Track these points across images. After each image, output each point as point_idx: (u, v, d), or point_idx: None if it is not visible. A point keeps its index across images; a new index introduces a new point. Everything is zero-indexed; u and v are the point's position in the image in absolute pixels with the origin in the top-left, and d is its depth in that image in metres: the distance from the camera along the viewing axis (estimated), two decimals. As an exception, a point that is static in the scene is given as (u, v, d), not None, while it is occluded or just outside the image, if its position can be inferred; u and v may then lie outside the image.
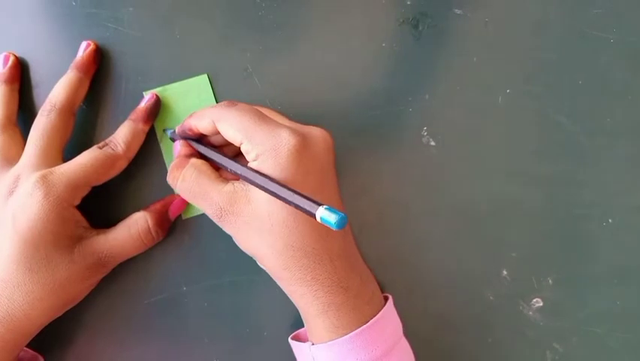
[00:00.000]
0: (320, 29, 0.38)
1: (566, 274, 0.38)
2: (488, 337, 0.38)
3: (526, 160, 0.38)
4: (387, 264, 0.38)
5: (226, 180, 0.33)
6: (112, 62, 0.37)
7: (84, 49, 0.36)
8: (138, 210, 0.36)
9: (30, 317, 0.32)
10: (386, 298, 0.35)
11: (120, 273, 0.37)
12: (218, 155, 0.33)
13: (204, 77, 0.37)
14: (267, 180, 0.29)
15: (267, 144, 0.30)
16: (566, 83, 0.38)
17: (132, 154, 0.35)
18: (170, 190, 0.37)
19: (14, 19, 0.38)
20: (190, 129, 0.34)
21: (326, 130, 0.33)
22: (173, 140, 0.36)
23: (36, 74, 0.38)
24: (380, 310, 0.33)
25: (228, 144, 0.34)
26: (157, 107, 0.37)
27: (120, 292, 0.37)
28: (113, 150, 0.34)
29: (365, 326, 0.31)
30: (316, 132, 0.32)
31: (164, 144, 0.37)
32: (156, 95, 0.37)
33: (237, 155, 0.35)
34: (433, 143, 0.38)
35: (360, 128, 0.38)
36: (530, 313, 0.38)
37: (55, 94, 0.35)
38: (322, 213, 0.26)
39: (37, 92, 0.38)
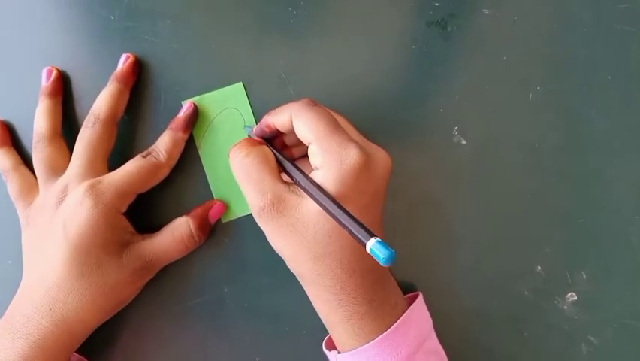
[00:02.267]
0: (350, 34, 0.39)
1: (599, 268, 0.38)
2: (524, 331, 0.38)
3: (558, 156, 0.38)
4: (421, 262, 0.39)
5: (285, 181, 0.33)
6: (150, 73, 0.39)
7: (124, 61, 0.38)
8: (179, 215, 0.37)
9: (83, 319, 0.34)
10: (416, 296, 0.36)
11: (164, 277, 0.38)
12: (287, 162, 0.33)
13: (239, 86, 0.38)
14: (327, 198, 0.30)
15: (334, 154, 0.31)
16: (595, 78, 0.39)
17: (174, 162, 0.37)
18: (209, 195, 0.38)
19: (55, 35, 0.39)
20: (268, 126, 0.34)
21: (388, 153, 0.33)
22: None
23: (78, 87, 0.39)
24: (402, 312, 0.33)
25: (299, 144, 0.35)
26: (195, 116, 0.38)
27: (164, 295, 0.39)
28: (156, 158, 0.36)
29: (387, 331, 0.32)
30: (380, 155, 0.33)
31: (202, 151, 0.38)
32: (194, 104, 0.38)
33: (304, 156, 0.35)
34: (464, 142, 0.39)
35: (392, 129, 0.39)
36: (565, 307, 0.38)
37: (98, 106, 0.36)
38: (373, 245, 0.26)
39: (79, 105, 0.39)
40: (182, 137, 0.37)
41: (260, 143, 0.34)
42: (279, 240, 0.32)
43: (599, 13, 0.39)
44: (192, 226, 0.36)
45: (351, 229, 0.28)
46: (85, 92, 0.39)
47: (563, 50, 0.39)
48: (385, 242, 0.26)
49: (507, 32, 0.39)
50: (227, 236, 0.39)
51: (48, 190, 0.36)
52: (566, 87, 0.38)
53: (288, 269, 0.38)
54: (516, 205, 0.38)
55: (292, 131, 0.33)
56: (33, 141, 0.37)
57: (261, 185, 0.32)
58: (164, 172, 0.36)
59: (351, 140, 0.32)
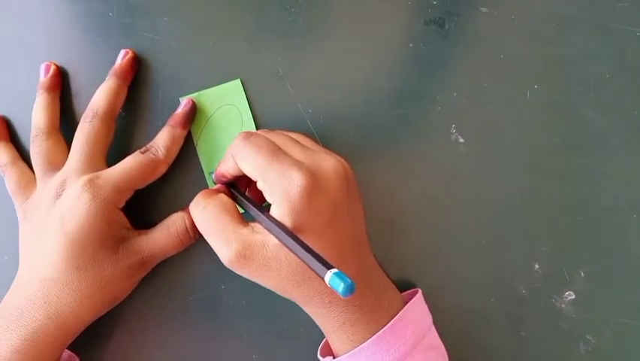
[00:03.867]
0: (348, 32, 0.39)
1: (597, 266, 0.38)
2: (521, 330, 0.38)
3: (555, 155, 0.39)
4: (418, 260, 0.39)
5: (246, 223, 0.33)
6: (148, 69, 0.39)
7: (122, 56, 0.38)
8: (176, 211, 0.37)
9: (77, 313, 0.34)
10: (415, 293, 0.36)
11: (161, 274, 0.38)
12: (246, 203, 0.33)
13: (237, 82, 0.38)
14: (284, 234, 0.29)
15: (280, 187, 0.30)
16: (592, 77, 0.39)
17: (172, 158, 0.37)
18: (206, 192, 0.38)
19: (54, 30, 0.39)
20: (222, 175, 0.35)
21: (339, 158, 0.33)
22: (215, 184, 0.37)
23: (76, 83, 0.39)
24: (397, 310, 0.34)
25: None
26: (193, 112, 0.38)
27: (161, 292, 0.39)
28: (154, 155, 0.36)
29: (383, 329, 0.32)
30: (327, 165, 0.32)
31: (200, 148, 0.38)
32: (192, 101, 0.38)
33: None
34: (461, 140, 0.39)
35: (390, 127, 0.39)
36: (563, 306, 0.38)
37: (96, 101, 0.36)
38: (330, 278, 0.26)
39: (77, 101, 0.39)
40: (181, 133, 0.37)
41: (217, 192, 0.34)
42: (259, 280, 0.32)
43: (596, 12, 0.39)
44: (188, 222, 0.36)
45: (309, 264, 0.28)
46: (83, 88, 0.39)
47: (560, 49, 0.39)
48: (342, 273, 0.26)
49: (505, 31, 0.39)
50: (224, 233, 0.39)
51: (46, 185, 0.36)
52: (563, 86, 0.39)
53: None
54: (513, 204, 0.39)
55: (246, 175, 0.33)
56: (31, 136, 0.37)
57: (223, 235, 0.32)
58: (163, 168, 0.36)
59: (293, 163, 0.31)
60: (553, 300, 0.38)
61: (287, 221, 0.30)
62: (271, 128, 0.38)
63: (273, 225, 0.30)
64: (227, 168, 0.34)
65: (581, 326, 0.38)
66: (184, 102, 0.38)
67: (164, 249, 0.36)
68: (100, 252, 0.34)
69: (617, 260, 0.38)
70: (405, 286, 0.38)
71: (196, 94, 0.38)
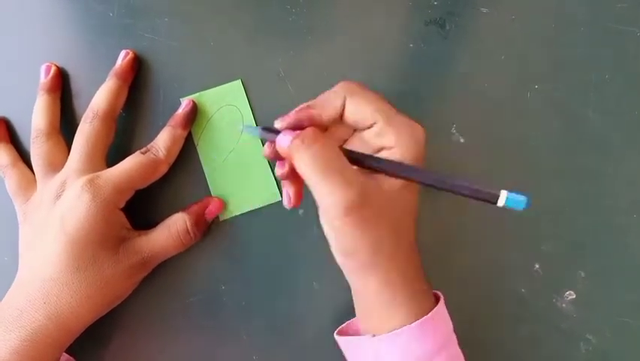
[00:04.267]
0: (348, 32, 0.39)
1: (598, 266, 0.38)
2: (522, 330, 0.38)
3: (555, 155, 0.39)
4: (419, 260, 0.39)
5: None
6: (149, 70, 0.39)
7: (123, 57, 0.38)
8: (177, 211, 0.37)
9: (77, 314, 0.34)
10: (436, 296, 0.35)
11: (161, 274, 0.38)
12: (363, 155, 0.31)
13: (238, 83, 0.38)
14: (437, 175, 0.29)
15: (407, 132, 0.31)
16: (592, 77, 0.39)
17: (172, 159, 0.37)
18: (207, 193, 0.38)
19: (54, 31, 0.39)
20: (310, 118, 0.31)
21: None
22: (262, 142, 0.35)
23: (76, 84, 0.39)
24: (434, 306, 0.33)
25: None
26: (194, 113, 0.38)
27: (162, 293, 0.39)
28: (155, 155, 0.36)
29: (430, 314, 0.31)
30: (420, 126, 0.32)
31: (200, 148, 0.38)
32: (193, 102, 0.38)
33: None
34: (462, 140, 0.39)
35: (390, 127, 0.39)
36: (563, 305, 0.38)
37: (96, 102, 0.36)
38: (507, 196, 0.27)
39: (77, 101, 0.39)
40: (181, 134, 0.37)
41: (322, 134, 0.30)
42: (361, 233, 0.29)
43: (596, 13, 0.39)
44: (188, 223, 0.36)
45: (478, 190, 0.28)
46: (83, 89, 0.39)
47: (560, 49, 0.39)
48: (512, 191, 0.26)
49: (505, 31, 0.39)
50: (224, 234, 0.39)
51: (46, 185, 0.36)
52: (563, 86, 0.39)
53: (285, 267, 0.38)
54: (514, 203, 0.39)
55: (337, 122, 0.31)
56: (31, 137, 0.37)
57: (346, 175, 0.29)
58: (163, 169, 0.36)
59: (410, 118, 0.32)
60: (554, 300, 0.38)
61: (417, 162, 0.31)
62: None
63: (416, 169, 0.30)
64: (329, 107, 0.31)
65: (582, 325, 0.38)
66: (185, 103, 0.38)
67: (165, 249, 0.36)
68: (100, 252, 0.34)
69: (617, 260, 0.38)
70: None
71: (197, 94, 0.38)
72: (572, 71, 0.39)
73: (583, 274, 0.38)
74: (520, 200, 0.26)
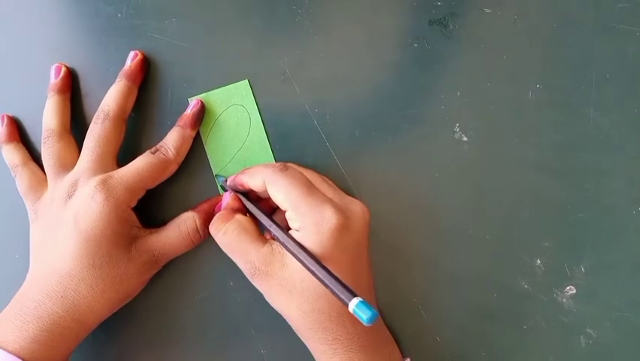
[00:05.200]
0: (353, 32, 0.39)
1: (598, 261, 0.39)
2: (523, 324, 0.39)
3: (557, 152, 0.39)
4: (422, 257, 0.39)
5: (265, 239, 0.35)
6: (157, 70, 0.39)
7: (132, 58, 0.38)
8: (186, 210, 0.38)
9: (93, 308, 0.34)
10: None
11: (171, 271, 0.39)
12: (264, 217, 0.35)
13: (245, 83, 0.39)
14: (307, 256, 0.31)
15: (310, 218, 0.32)
16: (594, 77, 0.39)
17: (182, 158, 0.37)
18: (215, 191, 0.39)
19: (63, 32, 0.40)
20: (241, 185, 0.36)
21: (364, 204, 0.35)
22: (224, 188, 0.38)
23: (86, 84, 0.40)
24: None
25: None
26: (202, 113, 0.38)
27: (171, 289, 0.39)
28: (164, 155, 0.36)
29: None
30: (356, 209, 0.34)
31: (208, 148, 0.39)
32: (201, 102, 0.38)
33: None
34: (465, 138, 0.39)
35: (395, 126, 0.39)
36: (564, 300, 0.39)
37: (107, 102, 0.37)
38: (356, 305, 0.27)
39: (87, 102, 0.40)
40: (190, 134, 0.38)
41: (232, 213, 0.35)
42: (272, 299, 0.34)
43: (597, 13, 0.39)
44: (198, 221, 0.37)
45: (333, 289, 0.29)
46: (92, 89, 0.39)
47: (562, 49, 0.39)
48: (367, 302, 0.27)
49: (508, 31, 0.39)
50: (233, 231, 0.39)
51: (57, 185, 0.36)
52: (565, 85, 0.39)
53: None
54: (516, 200, 0.39)
55: (265, 193, 0.34)
56: (42, 137, 0.38)
57: (245, 255, 0.34)
58: (173, 168, 0.37)
59: (326, 200, 0.33)
60: (555, 295, 0.39)
61: (311, 250, 0.32)
62: (277, 127, 0.39)
63: (295, 246, 0.32)
64: (252, 183, 0.35)
65: (582, 319, 0.39)
66: (193, 103, 0.38)
67: (175, 247, 0.37)
68: (114, 250, 0.34)
69: (618, 255, 0.39)
70: (407, 286, 0.39)
71: (204, 94, 0.39)
72: (573, 70, 0.39)
73: (583, 270, 0.39)
74: (365, 314, 0.27)
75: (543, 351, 0.39)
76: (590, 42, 0.39)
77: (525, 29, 0.39)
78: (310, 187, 0.34)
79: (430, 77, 0.39)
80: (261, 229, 0.35)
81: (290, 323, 0.35)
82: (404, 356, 0.37)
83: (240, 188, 0.36)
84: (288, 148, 0.39)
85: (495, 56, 0.39)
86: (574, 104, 0.39)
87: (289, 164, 0.36)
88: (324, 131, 0.39)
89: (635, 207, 0.39)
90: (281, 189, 0.33)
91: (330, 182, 0.37)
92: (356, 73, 0.39)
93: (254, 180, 0.35)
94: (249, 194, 0.37)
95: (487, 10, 0.39)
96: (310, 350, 0.35)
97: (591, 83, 0.39)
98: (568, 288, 0.39)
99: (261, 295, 0.39)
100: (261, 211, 0.35)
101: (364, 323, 0.27)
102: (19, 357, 0.32)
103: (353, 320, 0.33)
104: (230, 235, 0.34)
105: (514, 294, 0.39)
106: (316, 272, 0.30)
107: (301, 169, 0.36)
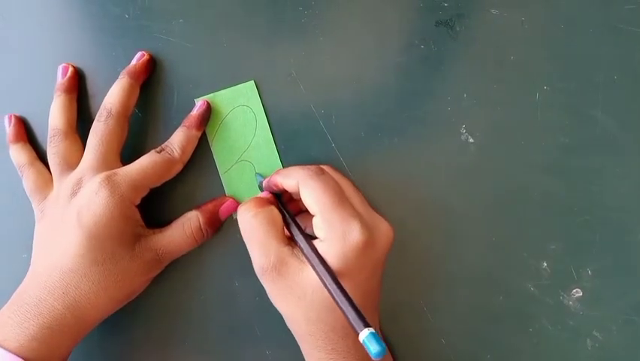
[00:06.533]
0: (360, 33, 0.39)
1: (605, 264, 0.39)
2: (530, 327, 0.39)
3: (564, 154, 0.39)
4: (427, 258, 0.39)
5: (288, 241, 0.34)
6: (163, 71, 0.39)
7: (138, 58, 0.38)
8: (191, 209, 0.38)
9: (94, 306, 0.34)
10: None
11: (176, 271, 0.39)
12: (294, 228, 0.34)
13: (251, 84, 0.39)
14: (326, 273, 0.31)
15: (337, 230, 0.32)
16: (601, 79, 0.39)
17: (187, 158, 0.37)
18: (221, 192, 0.39)
19: (70, 33, 0.40)
20: (276, 185, 0.35)
21: (391, 225, 0.34)
22: (261, 188, 0.38)
23: (92, 84, 0.40)
24: None
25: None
26: (208, 114, 0.38)
27: (176, 290, 0.39)
28: (170, 154, 0.36)
29: None
30: (383, 227, 0.34)
31: (214, 148, 0.39)
32: (207, 102, 0.38)
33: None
34: (471, 140, 0.39)
35: (401, 127, 0.39)
36: (570, 303, 0.39)
37: (110, 100, 0.37)
38: (366, 337, 0.27)
39: (93, 101, 0.40)
40: (196, 134, 0.38)
41: (268, 203, 0.35)
42: (277, 299, 0.34)
43: (605, 15, 0.39)
44: (202, 220, 0.37)
45: (347, 314, 0.29)
46: (99, 90, 0.40)
47: (569, 51, 0.39)
48: (377, 335, 0.27)
49: (514, 32, 0.39)
50: (238, 231, 0.39)
51: (62, 183, 0.36)
52: (572, 87, 0.39)
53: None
54: (522, 202, 0.39)
55: (298, 194, 0.34)
56: (48, 136, 0.38)
57: (265, 247, 0.33)
58: (178, 168, 0.37)
59: (355, 215, 0.33)
60: (561, 297, 0.39)
61: (332, 262, 0.32)
62: (283, 128, 0.39)
63: (317, 259, 0.31)
64: (286, 183, 0.34)
65: (589, 322, 0.39)
66: (199, 104, 0.38)
67: (178, 246, 0.37)
68: (117, 247, 0.34)
69: (624, 258, 0.39)
70: (415, 285, 0.39)
71: (211, 95, 0.39)
72: (580, 71, 0.39)
73: (590, 273, 0.39)
74: (374, 348, 0.27)
75: (549, 354, 0.39)
76: (598, 44, 0.39)
77: (532, 31, 0.39)
78: (342, 197, 0.33)
79: (437, 79, 0.39)
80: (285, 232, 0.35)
81: (289, 324, 0.35)
82: None
83: (275, 188, 0.36)
84: (294, 149, 0.39)
85: (502, 58, 0.39)
86: (581, 106, 0.39)
87: (326, 167, 0.36)
88: (330, 131, 0.39)
89: (642, 209, 0.39)
90: (312, 194, 0.33)
91: (362, 196, 0.36)
92: (362, 74, 0.39)
93: (288, 181, 0.34)
94: (282, 195, 0.37)
95: (494, 12, 0.39)
96: (304, 353, 0.35)
97: (598, 85, 0.39)
98: (574, 291, 0.39)
99: (266, 295, 0.39)
100: (291, 217, 0.35)
101: (372, 357, 0.27)
102: (19, 356, 0.31)
103: (355, 336, 0.33)
104: (259, 219, 0.34)
105: (520, 296, 0.39)
106: (333, 293, 0.30)
107: (338, 177, 0.35)
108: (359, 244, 0.32)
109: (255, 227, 0.34)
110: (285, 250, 0.33)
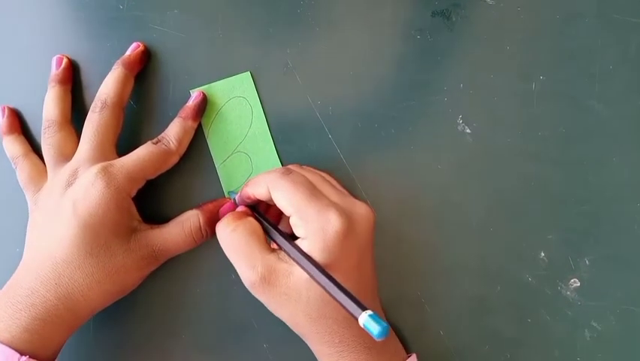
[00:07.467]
0: (356, 24, 0.39)
1: (602, 254, 0.39)
2: (527, 317, 0.39)
3: (561, 144, 0.39)
4: (425, 249, 0.39)
5: (271, 248, 0.34)
6: (159, 62, 0.39)
7: (133, 49, 0.38)
8: (188, 204, 0.38)
9: (87, 298, 0.34)
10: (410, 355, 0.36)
11: (172, 264, 0.38)
12: (274, 232, 0.34)
13: (247, 75, 0.39)
14: (315, 268, 0.30)
15: (315, 224, 0.32)
16: (597, 69, 0.39)
17: (183, 150, 0.37)
18: (217, 184, 0.39)
19: (64, 23, 0.40)
20: (248, 197, 0.35)
21: (369, 206, 0.34)
22: (236, 204, 0.37)
23: (87, 76, 0.39)
24: None
25: None
26: (204, 105, 0.38)
27: (172, 283, 0.39)
28: (166, 146, 0.36)
29: None
30: (362, 210, 0.33)
31: (210, 140, 0.39)
32: (203, 93, 0.38)
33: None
34: (468, 130, 0.39)
35: (398, 117, 0.39)
36: (568, 293, 0.39)
37: (104, 91, 0.37)
38: (365, 320, 0.27)
39: (88, 93, 0.39)
40: (192, 125, 0.37)
41: (245, 215, 0.35)
42: (276, 308, 0.34)
43: (600, 5, 0.39)
44: (202, 220, 0.36)
45: (342, 303, 0.29)
46: (93, 81, 0.39)
47: (565, 41, 0.39)
48: (376, 315, 0.27)
49: (510, 23, 0.39)
50: (234, 223, 0.39)
51: (57, 174, 0.36)
52: (568, 77, 0.39)
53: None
54: (519, 192, 0.39)
55: (272, 200, 0.34)
56: (42, 127, 0.37)
57: (250, 259, 0.33)
58: (174, 159, 0.37)
59: (330, 204, 0.32)
60: (559, 287, 0.39)
61: (317, 257, 0.31)
62: (280, 119, 0.39)
63: (303, 258, 0.31)
64: (257, 192, 0.34)
65: (587, 312, 0.39)
66: (195, 95, 0.38)
67: (177, 244, 0.36)
68: (112, 239, 0.34)
69: (622, 248, 0.39)
70: (410, 278, 0.39)
71: (206, 86, 0.39)
72: (576, 61, 0.39)
73: (588, 262, 0.39)
74: (375, 328, 0.26)
75: (547, 345, 0.39)
76: (594, 34, 0.39)
77: (528, 21, 0.39)
78: (313, 191, 0.33)
79: (433, 69, 0.39)
80: (268, 240, 0.35)
81: (294, 329, 0.34)
82: (408, 353, 0.37)
83: (248, 200, 0.36)
84: (291, 140, 0.39)
85: (498, 48, 0.39)
86: (577, 96, 0.39)
87: (292, 167, 0.36)
88: (327, 123, 0.39)
89: (639, 199, 0.39)
90: (283, 195, 0.33)
91: (334, 182, 0.36)
92: (358, 65, 0.39)
93: (258, 189, 0.34)
94: (258, 206, 0.36)
95: (490, 2, 0.39)
96: (314, 352, 0.35)
97: (594, 75, 0.39)
98: (572, 281, 0.39)
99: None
100: (270, 223, 0.34)
101: (375, 338, 0.26)
102: (11, 347, 0.31)
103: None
104: (239, 233, 0.34)
105: (518, 287, 0.39)
106: (325, 286, 0.30)
107: (304, 171, 0.35)
108: (339, 232, 0.31)
109: (236, 240, 0.34)
110: (271, 257, 0.33)
